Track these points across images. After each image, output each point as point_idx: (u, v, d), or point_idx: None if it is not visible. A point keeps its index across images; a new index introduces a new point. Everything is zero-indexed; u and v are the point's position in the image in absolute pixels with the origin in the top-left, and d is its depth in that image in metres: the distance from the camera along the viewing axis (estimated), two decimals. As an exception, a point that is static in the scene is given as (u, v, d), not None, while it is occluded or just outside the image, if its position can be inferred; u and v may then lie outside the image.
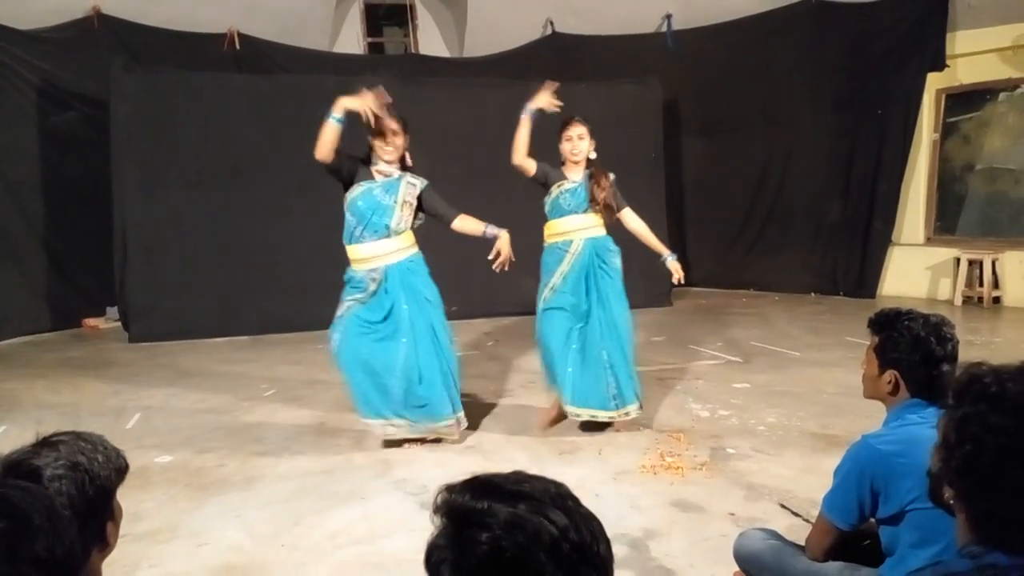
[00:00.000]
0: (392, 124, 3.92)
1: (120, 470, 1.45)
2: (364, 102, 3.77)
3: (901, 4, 8.55)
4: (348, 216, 3.98)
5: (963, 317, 7.45)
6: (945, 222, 8.84)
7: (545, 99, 4.25)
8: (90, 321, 8.16)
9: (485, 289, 7.96)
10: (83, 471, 1.35)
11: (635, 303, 8.26)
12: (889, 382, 2.02)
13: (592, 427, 4.29)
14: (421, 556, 0.90)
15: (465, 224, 4.17)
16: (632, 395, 4.22)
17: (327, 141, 3.77)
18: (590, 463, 3.83)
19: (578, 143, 4.26)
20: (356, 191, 3.94)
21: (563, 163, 4.35)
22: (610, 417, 4.23)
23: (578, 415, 4.23)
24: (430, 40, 10.79)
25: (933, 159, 8.84)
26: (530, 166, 4.27)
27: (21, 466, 1.31)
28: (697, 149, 10.15)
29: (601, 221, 4.34)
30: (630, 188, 8.47)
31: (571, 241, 4.27)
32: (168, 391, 5.47)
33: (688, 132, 10.09)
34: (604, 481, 3.56)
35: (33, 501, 0.96)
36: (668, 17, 9.89)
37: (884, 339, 2.04)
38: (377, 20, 10.89)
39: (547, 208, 4.36)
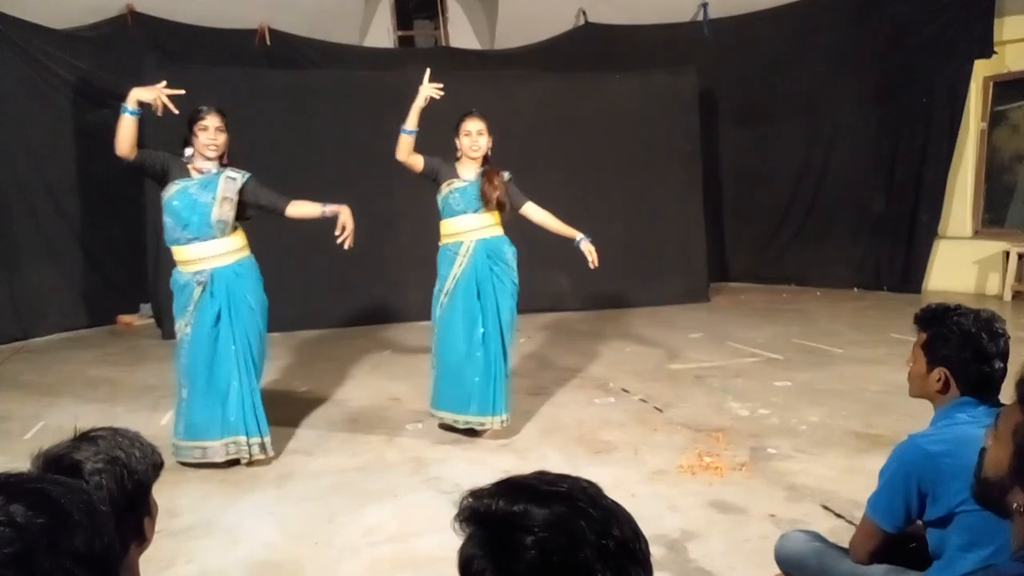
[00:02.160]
0: (216, 120, 3.77)
1: (156, 466, 1.47)
2: (156, 91, 3.58)
3: (945, -9, 8.31)
4: (165, 218, 3.77)
5: (1013, 313, 7.21)
6: (994, 214, 8.58)
7: (426, 91, 3.97)
8: (124, 318, 8.26)
9: (519, 285, 7.94)
10: (122, 466, 1.37)
11: (671, 299, 8.34)
12: (938, 380, 1.96)
13: (455, 430, 4.21)
14: (454, 555, 0.88)
15: (300, 209, 3.96)
16: (504, 403, 4.12)
17: (124, 135, 3.59)
18: (626, 463, 3.76)
19: (477, 139, 4.08)
20: (171, 190, 3.74)
21: (458, 158, 4.17)
22: (481, 424, 4.12)
23: (455, 421, 4.15)
24: (461, 32, 10.75)
25: (980, 149, 8.58)
26: (416, 162, 4.07)
27: (62, 460, 1.33)
28: (735, 140, 9.96)
29: (496, 220, 4.19)
30: (665, 180, 8.54)
31: (461, 243, 4.13)
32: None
33: (725, 123, 9.90)
34: (640, 481, 3.49)
35: (72, 496, 0.96)
36: (704, 5, 9.72)
37: (932, 335, 1.98)
38: (407, 13, 10.87)
39: (439, 207, 4.20)
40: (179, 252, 3.82)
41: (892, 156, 8.91)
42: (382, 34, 10.48)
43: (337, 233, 3.89)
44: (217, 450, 3.79)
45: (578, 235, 4.29)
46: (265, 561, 2.90)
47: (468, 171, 4.14)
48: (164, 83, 3.64)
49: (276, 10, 9.06)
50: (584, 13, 9.96)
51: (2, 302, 7.31)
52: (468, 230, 4.13)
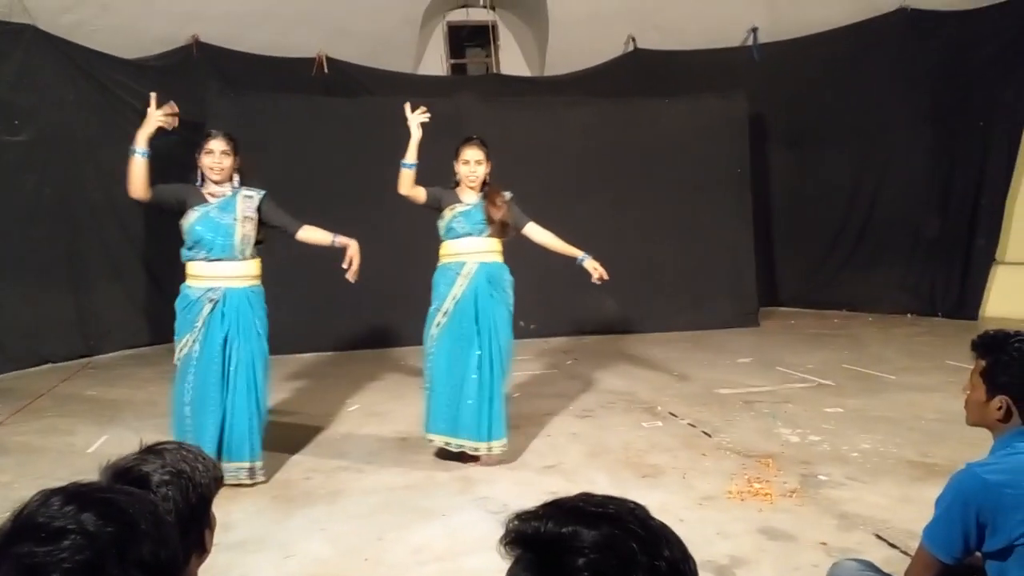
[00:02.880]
0: (222, 144, 3.82)
1: (217, 479, 1.51)
2: (153, 117, 3.66)
3: (1003, 11, 8.15)
4: (189, 242, 3.84)
5: (1076, 340, 6.96)
6: (1056, 239, 8.33)
7: (415, 121, 4.05)
8: (185, 336, 8.51)
9: (566, 307, 7.96)
10: (187, 479, 1.40)
11: (720, 323, 8.28)
12: (999, 408, 1.92)
13: (452, 456, 4.18)
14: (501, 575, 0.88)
15: (311, 234, 4.02)
16: (502, 429, 4.10)
17: (136, 177, 3.66)
18: (673, 487, 3.73)
19: (475, 168, 4.10)
20: (192, 217, 3.79)
21: (457, 184, 4.19)
22: (475, 449, 4.08)
23: (447, 444, 4.12)
24: (512, 60, 10.92)
25: (1040, 173, 8.36)
26: (418, 194, 4.10)
27: (131, 472, 1.36)
28: (785, 164, 9.89)
29: (499, 248, 4.20)
30: (715, 204, 8.51)
31: (464, 263, 4.12)
32: (257, 404, 5.63)
33: (776, 146, 9.84)
34: (688, 506, 3.47)
35: (140, 506, 0.99)
36: (754, 30, 9.72)
37: (992, 363, 1.95)
38: (460, 41, 11.09)
39: (441, 230, 4.21)
40: (196, 267, 3.87)
41: (947, 179, 8.74)
42: (435, 62, 10.70)
43: (344, 266, 3.94)
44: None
45: (579, 254, 4.29)
46: (316, 576, 2.96)
47: (469, 196, 4.17)
48: (155, 105, 3.72)
49: (334, 39, 9.33)
50: (633, 39, 10.03)
51: (70, 320, 7.61)
52: (471, 252, 4.13)
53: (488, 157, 4.16)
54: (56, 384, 6.50)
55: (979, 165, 8.45)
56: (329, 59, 9.45)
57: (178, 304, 3.92)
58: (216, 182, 3.85)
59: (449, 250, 4.19)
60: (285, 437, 4.76)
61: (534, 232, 4.29)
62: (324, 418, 5.23)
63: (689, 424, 4.81)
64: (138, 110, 8.05)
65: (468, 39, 11.19)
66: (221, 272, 3.85)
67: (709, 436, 4.52)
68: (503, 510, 3.45)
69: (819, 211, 9.67)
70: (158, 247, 8.34)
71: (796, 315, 9.34)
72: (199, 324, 3.81)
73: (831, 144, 9.49)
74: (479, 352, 4.06)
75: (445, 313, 4.12)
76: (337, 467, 4.19)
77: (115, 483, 1.30)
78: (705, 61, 9.68)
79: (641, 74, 9.70)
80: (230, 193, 3.88)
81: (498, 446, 4.11)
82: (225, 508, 3.45)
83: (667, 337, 7.92)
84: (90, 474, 1.31)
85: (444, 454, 4.23)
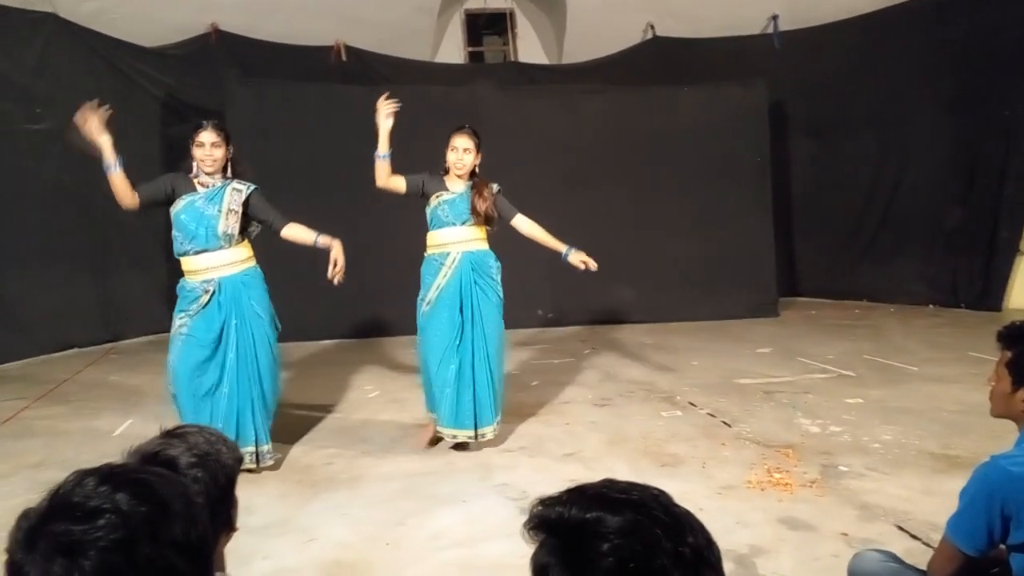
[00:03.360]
0: (212, 136, 3.82)
1: (239, 460, 1.53)
2: (95, 129, 3.64)
3: (1028, -4, 8.02)
4: (174, 231, 3.85)
5: (1101, 332, 6.87)
6: (1082, 229, 8.21)
7: (384, 111, 4.01)
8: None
9: (582, 295, 7.95)
10: (213, 460, 1.43)
11: (740, 313, 8.25)
12: (1024, 400, 1.90)
13: (462, 447, 4.21)
14: (521, 561, 0.89)
15: (294, 232, 3.99)
16: (491, 416, 4.15)
17: (119, 190, 3.69)
18: (693, 477, 3.74)
19: (463, 156, 4.10)
20: (179, 205, 3.82)
21: (447, 171, 4.19)
22: (468, 437, 4.13)
23: (454, 436, 4.14)
24: (530, 47, 10.88)
25: (1067, 162, 8.24)
26: (397, 184, 4.11)
27: (158, 456, 1.38)
28: (806, 153, 9.80)
29: (483, 235, 4.21)
30: (734, 193, 8.46)
31: (448, 253, 4.15)
32: (278, 390, 5.69)
33: (796, 135, 9.76)
34: (708, 496, 3.47)
35: (172, 488, 1.01)
36: (775, 18, 9.63)
37: (1018, 354, 1.94)
38: (477, 29, 11.05)
39: (428, 218, 4.22)
40: (187, 262, 3.89)
41: (970, 169, 8.62)
42: (453, 50, 10.68)
43: (330, 267, 3.92)
44: None
45: (564, 248, 4.28)
46: (338, 561, 2.98)
47: (457, 184, 4.18)
48: (88, 112, 3.67)
49: (351, 28, 9.34)
50: (652, 27, 9.96)
51: (93, 307, 7.71)
52: (454, 242, 4.16)
53: (479, 148, 4.16)
54: (81, 369, 6.59)
55: (1003, 155, 8.32)
56: (347, 47, 9.46)
57: (178, 291, 3.97)
58: (208, 173, 3.88)
59: (434, 240, 4.23)
60: (306, 423, 4.82)
61: (521, 224, 4.29)
62: (344, 404, 5.28)
63: (708, 414, 4.80)
64: (158, 98, 8.22)
65: (486, 27, 11.15)
66: (211, 263, 3.87)
67: (729, 426, 4.51)
68: (522, 497, 3.48)
69: (840, 200, 9.57)
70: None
71: (816, 305, 9.27)
72: (194, 308, 3.84)
73: (852, 133, 9.39)
74: (459, 342, 4.10)
75: (429, 302, 4.16)
76: (358, 453, 4.22)
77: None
78: (725, 49, 9.60)
79: (660, 62, 9.64)
80: (220, 184, 3.90)
81: (490, 432, 4.16)
82: (248, 492, 3.45)
83: (686, 327, 7.89)
84: (115, 457, 1.32)
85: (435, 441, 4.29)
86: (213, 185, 3.89)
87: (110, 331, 7.81)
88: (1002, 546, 1.89)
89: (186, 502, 1.01)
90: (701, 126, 8.48)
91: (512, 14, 10.93)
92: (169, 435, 1.47)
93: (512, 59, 10.77)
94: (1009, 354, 1.97)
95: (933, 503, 3.19)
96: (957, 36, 8.46)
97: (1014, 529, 1.81)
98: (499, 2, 10.82)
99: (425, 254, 4.28)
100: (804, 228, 9.88)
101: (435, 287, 4.15)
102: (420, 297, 4.24)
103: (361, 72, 9.43)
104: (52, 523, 0.92)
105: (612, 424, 4.64)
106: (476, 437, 4.15)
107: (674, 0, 9.63)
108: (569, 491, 0.92)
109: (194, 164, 3.87)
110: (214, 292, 3.85)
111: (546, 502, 0.90)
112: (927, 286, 8.90)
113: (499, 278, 4.24)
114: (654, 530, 0.85)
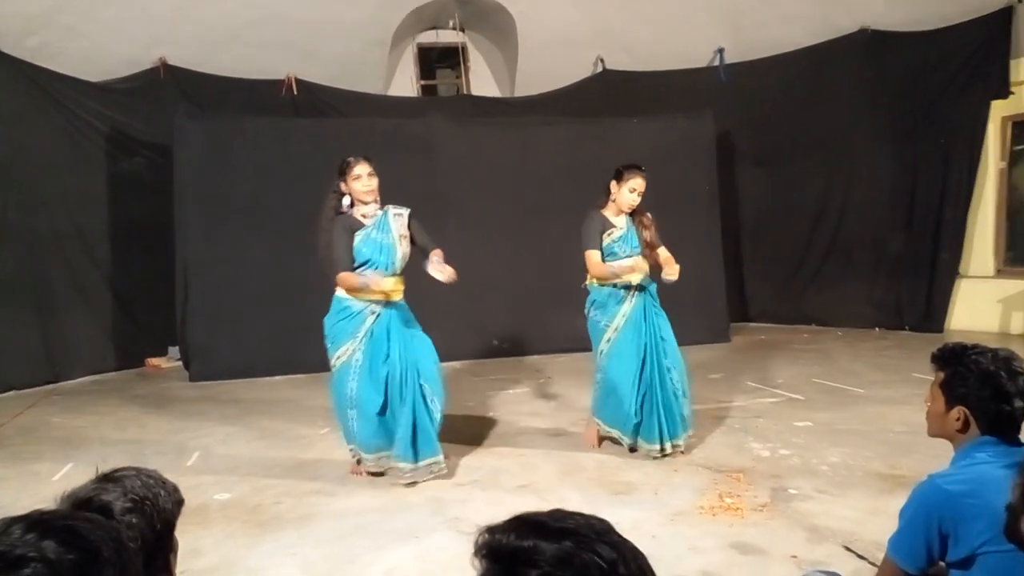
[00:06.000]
0: (367, 167, 3.96)
1: (179, 503, 1.50)
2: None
3: (961, 31, 8.38)
4: (357, 260, 3.99)
5: (1037, 351, 7.11)
6: (1017, 252, 8.51)
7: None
8: (153, 360, 8.39)
9: (537, 325, 7.97)
10: (150, 504, 1.40)
11: (691, 339, 8.27)
12: (957, 419, 1.95)
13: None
14: None
15: (435, 254, 4.07)
16: (678, 429, 4.43)
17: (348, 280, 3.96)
18: (646, 504, 3.74)
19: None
20: (357, 240, 3.99)
21: (604, 205, 4.44)
22: (674, 446, 4.40)
23: (663, 450, 4.35)
24: (482, 81, 10.98)
25: (1001, 188, 8.56)
26: (596, 256, 4.43)
27: (91, 502, 1.35)
28: (753, 182, 10.03)
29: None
30: (685, 222, 8.58)
31: (629, 283, 4.40)
32: (227, 429, 5.57)
33: (743, 165, 9.99)
34: (661, 523, 3.47)
35: (102, 533, 0.98)
36: (720, 51, 9.87)
37: (951, 374, 1.98)
38: (430, 63, 11.14)
39: (603, 254, 4.44)
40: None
41: (911, 195, 8.92)
42: (406, 83, 10.73)
43: (440, 272, 3.92)
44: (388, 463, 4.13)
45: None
46: (287, 602, 2.92)
47: (619, 219, 4.52)
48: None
49: (305, 61, 9.33)
50: (602, 60, 10.14)
51: (35, 346, 7.47)
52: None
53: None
54: (20, 411, 6.36)
55: (941, 181, 8.64)
56: (298, 80, 9.44)
57: (339, 314, 4.06)
58: (367, 203, 4.02)
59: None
60: (255, 461, 4.71)
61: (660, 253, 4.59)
62: (295, 441, 5.18)
63: (661, 440, 4.81)
64: (103, 132, 8.08)
65: (438, 60, 11.24)
66: (384, 286, 3.99)
67: (681, 452, 4.54)
68: (475, 531, 3.42)
69: (787, 228, 9.81)
70: (125, 271, 8.26)
71: (766, 330, 9.43)
72: (361, 334, 4.00)
73: (797, 162, 9.65)
74: (662, 359, 4.38)
75: (616, 329, 4.42)
76: (308, 490, 4.14)
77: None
78: (673, 82, 9.82)
79: (610, 94, 9.80)
80: (380, 213, 4.04)
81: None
82: (195, 533, 3.40)
83: (639, 354, 7.93)
84: (55, 503, 1.29)
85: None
86: (374, 214, 4.02)
87: (52, 371, 7.56)
88: (941, 563, 1.91)
89: (118, 548, 0.98)
90: (651, 157, 8.51)
91: (464, 48, 11.04)
92: (105, 479, 1.44)
93: (465, 92, 10.86)
94: (942, 375, 2.00)
95: (879, 523, 3.23)
96: (894, 68, 8.79)
97: (952, 546, 1.83)
98: (451, 36, 10.93)
99: (598, 283, 4.49)
100: (753, 255, 10.09)
101: (621, 315, 4.42)
102: (603, 324, 4.44)
103: (312, 105, 9.42)
104: None
105: (566, 454, 4.63)
106: (677, 448, 4.40)
107: (623, 35, 9.83)
108: (513, 519, 0.93)
109: (345, 199, 4.00)
110: (380, 314, 4.03)
111: (491, 529, 0.92)
112: (873, 309, 9.14)
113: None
114: (588, 559, 0.86)
